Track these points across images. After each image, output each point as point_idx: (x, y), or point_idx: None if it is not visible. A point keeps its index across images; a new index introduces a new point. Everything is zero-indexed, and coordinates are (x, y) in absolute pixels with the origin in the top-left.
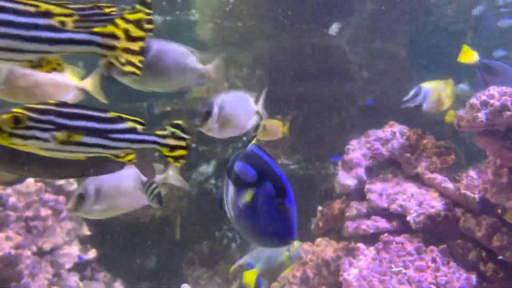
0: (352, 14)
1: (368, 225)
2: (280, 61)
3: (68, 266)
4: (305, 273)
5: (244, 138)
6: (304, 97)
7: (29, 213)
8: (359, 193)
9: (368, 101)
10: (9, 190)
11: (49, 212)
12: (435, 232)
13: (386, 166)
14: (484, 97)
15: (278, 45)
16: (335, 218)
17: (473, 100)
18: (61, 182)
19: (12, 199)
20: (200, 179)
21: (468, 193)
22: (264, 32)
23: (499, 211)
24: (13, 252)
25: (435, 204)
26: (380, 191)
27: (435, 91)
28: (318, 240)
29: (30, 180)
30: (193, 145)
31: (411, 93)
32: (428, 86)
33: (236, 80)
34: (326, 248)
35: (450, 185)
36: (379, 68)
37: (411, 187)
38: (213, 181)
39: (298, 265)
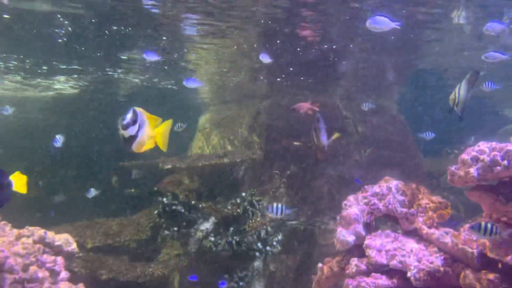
0: (345, 73)
1: (368, 283)
2: (277, 118)
3: None
4: None
5: None
6: (301, 152)
7: (26, 275)
8: (358, 249)
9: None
10: (6, 251)
11: (47, 273)
12: (436, 287)
13: (383, 220)
14: (474, 153)
15: (275, 103)
16: (336, 276)
17: (464, 156)
18: (60, 242)
19: (9, 261)
20: (199, 236)
21: (467, 248)
22: (260, 92)
23: (499, 265)
24: None
25: (434, 259)
26: (379, 247)
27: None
28: None
29: (29, 241)
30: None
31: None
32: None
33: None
34: None
35: (448, 240)
36: (373, 123)
37: (409, 243)
38: (212, 238)
39: None
